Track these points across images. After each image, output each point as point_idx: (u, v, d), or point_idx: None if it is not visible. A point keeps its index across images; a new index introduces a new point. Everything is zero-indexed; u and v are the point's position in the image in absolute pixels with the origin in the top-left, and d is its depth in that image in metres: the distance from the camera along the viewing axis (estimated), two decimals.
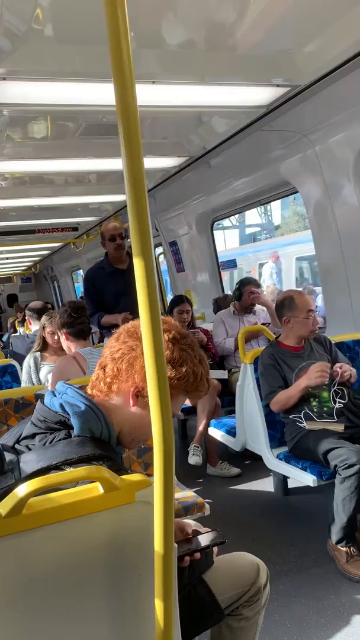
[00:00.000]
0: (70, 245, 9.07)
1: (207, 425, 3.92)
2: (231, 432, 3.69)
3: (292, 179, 3.96)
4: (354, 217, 3.49)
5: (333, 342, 3.25)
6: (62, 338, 3.04)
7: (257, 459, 3.49)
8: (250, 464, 3.93)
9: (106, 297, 4.14)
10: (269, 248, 15.28)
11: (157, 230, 6.54)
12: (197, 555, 1.40)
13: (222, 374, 4.34)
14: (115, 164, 3.80)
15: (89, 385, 1.38)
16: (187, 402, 1.90)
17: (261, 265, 14.40)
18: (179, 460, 3.94)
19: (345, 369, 2.91)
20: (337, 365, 2.95)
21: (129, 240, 1.37)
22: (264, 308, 4.72)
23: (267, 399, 3.02)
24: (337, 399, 2.95)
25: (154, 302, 0.81)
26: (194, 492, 2.66)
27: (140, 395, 1.27)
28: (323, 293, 4.03)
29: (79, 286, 13.33)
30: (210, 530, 1.50)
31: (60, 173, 4.32)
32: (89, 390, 1.36)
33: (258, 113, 3.07)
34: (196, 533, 1.48)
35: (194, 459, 3.91)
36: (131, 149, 0.76)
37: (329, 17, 2.16)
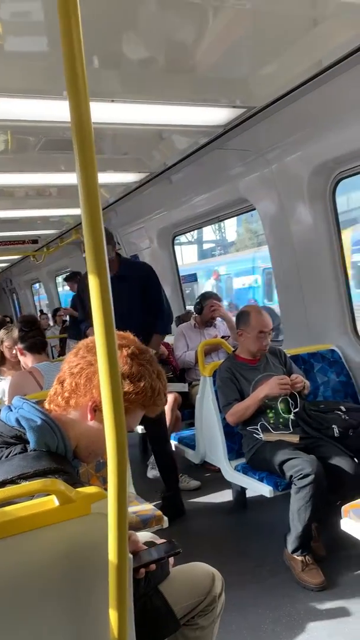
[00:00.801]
0: (29, 258, 8.97)
1: None
2: (191, 444, 3.72)
3: (250, 196, 4.06)
4: (309, 234, 3.60)
5: (288, 355, 3.34)
6: (18, 354, 3.03)
7: (216, 471, 3.53)
8: (210, 475, 3.96)
9: None
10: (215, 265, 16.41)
11: (118, 244, 6.55)
12: (153, 566, 1.42)
13: (182, 387, 4.37)
14: (76, 178, 3.80)
15: (46, 399, 1.38)
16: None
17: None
18: (138, 474, 3.97)
19: (298, 380, 2.99)
20: (292, 376, 3.03)
21: (84, 255, 1.39)
22: (224, 321, 4.79)
23: (223, 410, 3.07)
24: (292, 410, 3.03)
25: (109, 317, 0.83)
26: (154, 505, 2.67)
27: (97, 409, 1.29)
28: (280, 307, 4.13)
29: (39, 298, 13.19)
30: (165, 541, 1.52)
31: (21, 186, 4.29)
32: (46, 405, 1.37)
33: (216, 132, 3.14)
34: (152, 544, 1.50)
35: (152, 472, 3.92)
36: (86, 166, 0.79)
37: (284, 41, 2.24)
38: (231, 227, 25.99)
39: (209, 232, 25.27)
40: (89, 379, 1.30)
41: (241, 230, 26.07)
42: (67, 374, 1.34)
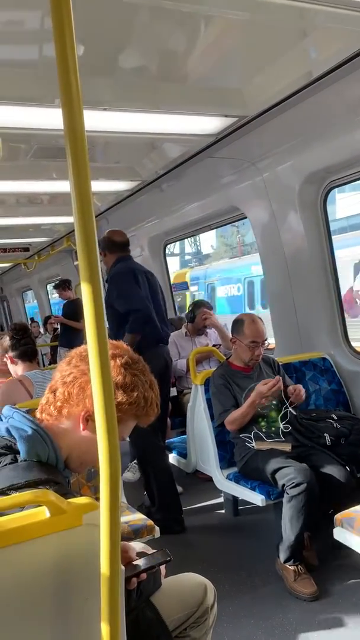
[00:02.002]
0: (20, 266, 8.94)
1: None
2: (182, 453, 3.70)
3: (241, 205, 4.08)
4: (300, 243, 3.62)
5: (280, 364, 3.34)
6: (8, 362, 3.00)
7: (208, 479, 3.51)
8: (201, 484, 3.94)
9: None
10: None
11: None
12: (144, 575, 1.41)
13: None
14: (68, 185, 3.80)
15: (38, 408, 1.37)
16: None
17: None
18: (132, 484, 3.95)
19: (299, 388, 3.00)
20: (293, 387, 3.04)
21: (76, 263, 1.39)
22: (215, 330, 4.79)
23: (220, 418, 3.05)
24: (284, 419, 3.03)
25: (102, 325, 0.83)
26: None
27: (90, 419, 1.27)
28: (271, 315, 4.14)
29: (30, 306, 13.13)
30: (156, 550, 1.50)
31: (12, 194, 4.28)
32: (38, 414, 1.36)
33: (208, 141, 3.16)
34: (143, 555, 1.48)
35: (128, 475, 3.94)
36: (79, 173, 0.79)
37: (275, 51, 2.26)
38: (206, 241, 29.94)
39: (187, 245, 29.14)
40: (82, 389, 1.29)
41: (217, 244, 29.95)
42: (59, 382, 1.33)
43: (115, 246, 3.74)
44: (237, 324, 3.17)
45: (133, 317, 3.42)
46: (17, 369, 2.96)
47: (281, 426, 3.00)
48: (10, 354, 2.95)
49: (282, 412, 3.05)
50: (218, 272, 17.71)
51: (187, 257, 29.60)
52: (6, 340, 2.97)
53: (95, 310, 0.81)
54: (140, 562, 1.43)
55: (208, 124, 2.87)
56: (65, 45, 0.74)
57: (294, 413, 3.06)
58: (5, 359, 3.17)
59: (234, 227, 24.95)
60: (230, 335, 3.31)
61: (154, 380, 1.38)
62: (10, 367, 3.01)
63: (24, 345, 2.95)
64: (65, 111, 0.77)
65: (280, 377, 2.92)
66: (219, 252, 29.04)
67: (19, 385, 2.77)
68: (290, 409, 3.04)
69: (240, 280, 15.88)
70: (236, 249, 26.92)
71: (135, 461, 4.05)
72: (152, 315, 3.53)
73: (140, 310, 3.43)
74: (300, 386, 3.05)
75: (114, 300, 3.49)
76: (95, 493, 2.48)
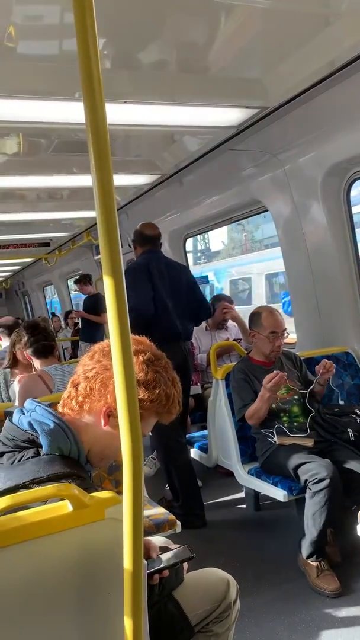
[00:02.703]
0: (41, 261, 9.01)
1: None
2: (203, 448, 3.69)
3: (262, 197, 4.04)
4: (322, 236, 3.57)
5: (302, 359, 3.30)
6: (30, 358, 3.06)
7: (228, 474, 3.50)
8: (222, 479, 3.93)
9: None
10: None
11: (130, 246, 6.55)
12: (166, 572, 1.40)
13: (195, 389, 4.36)
14: (88, 180, 3.80)
15: (60, 403, 1.37)
16: None
17: None
18: (151, 477, 3.96)
19: (325, 361, 3.00)
20: (323, 362, 3.02)
21: (98, 257, 1.39)
22: (236, 324, 4.76)
23: (239, 412, 3.04)
24: (307, 414, 2.99)
25: (125, 320, 0.82)
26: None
27: (112, 415, 1.27)
28: (293, 310, 4.09)
29: (50, 301, 13.25)
30: (179, 546, 1.50)
31: (32, 189, 4.30)
32: (59, 408, 1.36)
33: (228, 133, 3.12)
34: (165, 549, 1.48)
35: (144, 469, 3.95)
36: (101, 167, 0.77)
37: (297, 41, 2.23)
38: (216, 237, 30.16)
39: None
40: (104, 384, 1.28)
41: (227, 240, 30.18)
42: (81, 377, 1.33)
43: (145, 239, 3.74)
44: (255, 317, 3.15)
45: (130, 317, 3.39)
46: (36, 365, 3.00)
47: (305, 420, 2.97)
48: (27, 351, 3.00)
49: (305, 407, 3.02)
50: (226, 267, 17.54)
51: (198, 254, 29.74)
52: (22, 339, 3.02)
53: (118, 304, 0.81)
54: (162, 558, 1.42)
55: (229, 116, 2.84)
56: (86, 38, 0.73)
57: (316, 408, 3.03)
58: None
59: (239, 225, 24.66)
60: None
61: (177, 378, 1.37)
62: (32, 362, 3.06)
63: (37, 342, 2.99)
64: (87, 104, 0.76)
65: (279, 371, 2.87)
66: (227, 248, 29.04)
67: (39, 380, 2.80)
68: (310, 406, 3.01)
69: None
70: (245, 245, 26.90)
71: (152, 455, 4.09)
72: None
73: (135, 310, 3.38)
74: (325, 360, 3.03)
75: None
76: (116, 486, 2.48)
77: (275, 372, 2.84)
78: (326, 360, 3.03)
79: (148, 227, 3.79)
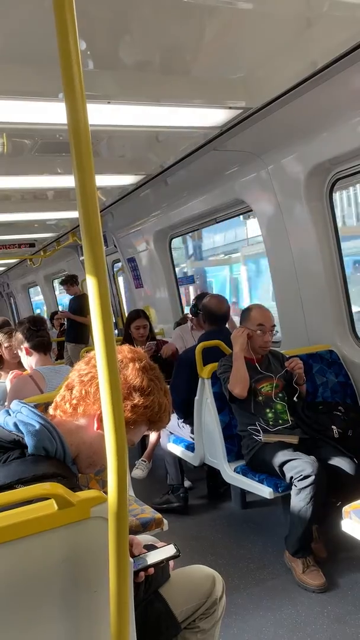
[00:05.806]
0: (26, 262, 8.95)
1: (158, 441, 4.02)
2: (190, 447, 3.70)
3: (246, 197, 4.06)
4: (306, 235, 3.60)
5: (287, 357, 3.33)
6: (23, 354, 3.01)
7: (216, 472, 3.52)
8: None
9: None
10: None
11: (115, 246, 6.54)
12: (152, 570, 1.41)
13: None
14: (73, 180, 3.79)
15: (52, 405, 1.38)
16: None
17: None
18: (143, 480, 3.97)
19: (294, 359, 3.06)
20: (288, 362, 3.07)
21: (82, 258, 1.39)
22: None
23: (227, 388, 3.08)
24: (292, 411, 3.02)
25: (108, 318, 0.83)
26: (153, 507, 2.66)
27: None
28: (277, 309, 4.12)
29: (36, 303, 13.17)
30: (165, 544, 1.51)
31: (17, 190, 4.28)
32: (51, 411, 1.37)
33: (212, 133, 3.14)
34: (152, 547, 1.49)
35: (137, 472, 3.98)
36: (82, 168, 0.78)
37: (280, 42, 2.24)
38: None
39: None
40: (99, 388, 1.29)
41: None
42: (76, 381, 1.34)
43: (213, 318, 3.86)
44: (245, 312, 3.20)
45: None
46: (32, 361, 2.96)
47: (290, 418, 3.00)
48: (26, 345, 2.96)
49: (289, 404, 3.05)
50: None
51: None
52: (19, 335, 2.98)
53: (101, 303, 0.81)
54: (149, 556, 1.43)
55: (212, 116, 2.85)
56: (67, 38, 0.74)
57: (301, 405, 3.06)
58: (17, 351, 3.17)
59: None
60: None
61: (168, 389, 1.41)
62: (25, 359, 3.01)
63: (41, 337, 2.97)
64: (69, 105, 0.76)
65: (245, 328, 3.09)
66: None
67: (29, 381, 2.78)
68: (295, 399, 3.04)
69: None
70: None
71: (143, 458, 4.11)
72: None
73: None
74: (296, 358, 3.09)
75: None
76: (103, 487, 2.49)
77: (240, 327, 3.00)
78: (293, 359, 3.07)
79: (218, 303, 3.86)
